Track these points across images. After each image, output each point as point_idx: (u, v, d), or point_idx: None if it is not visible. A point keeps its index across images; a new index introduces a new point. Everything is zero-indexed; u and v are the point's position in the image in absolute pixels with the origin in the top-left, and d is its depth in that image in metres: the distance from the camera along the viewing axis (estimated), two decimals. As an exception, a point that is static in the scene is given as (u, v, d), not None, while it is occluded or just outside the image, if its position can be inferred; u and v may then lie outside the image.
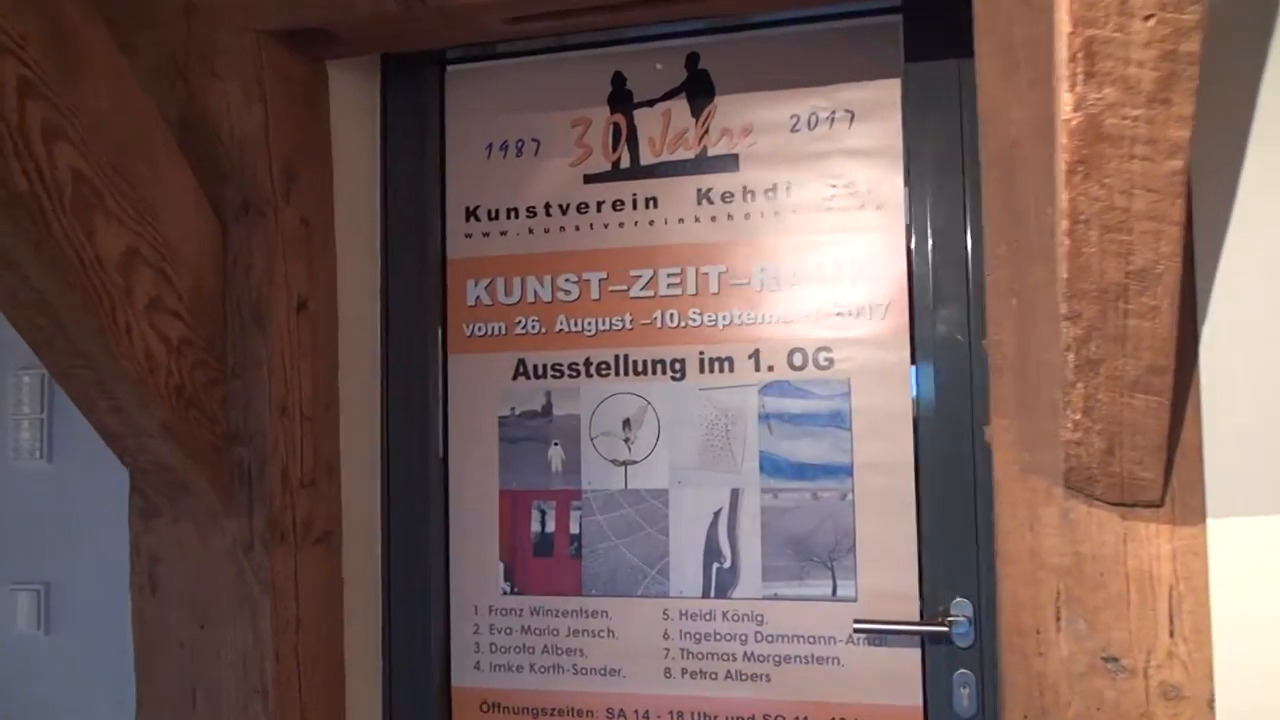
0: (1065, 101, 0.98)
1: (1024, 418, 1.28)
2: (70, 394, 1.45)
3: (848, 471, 1.73)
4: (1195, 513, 1.23)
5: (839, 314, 1.75)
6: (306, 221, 1.68)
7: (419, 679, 1.86)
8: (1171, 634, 1.23)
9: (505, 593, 1.86)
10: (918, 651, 1.67)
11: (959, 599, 1.63)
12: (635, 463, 1.82)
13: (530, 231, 1.90)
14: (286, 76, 1.64)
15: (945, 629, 1.61)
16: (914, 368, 1.71)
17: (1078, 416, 1.16)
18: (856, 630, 1.66)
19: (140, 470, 1.52)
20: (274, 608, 1.54)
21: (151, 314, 1.42)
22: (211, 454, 1.53)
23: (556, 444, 1.86)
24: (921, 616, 1.67)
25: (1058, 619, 1.26)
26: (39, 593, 1.83)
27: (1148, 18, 0.91)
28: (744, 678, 1.74)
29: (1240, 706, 1.23)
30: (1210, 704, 1.23)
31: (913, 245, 1.72)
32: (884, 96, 1.75)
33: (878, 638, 1.68)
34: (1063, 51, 0.96)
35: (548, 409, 1.87)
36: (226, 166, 1.58)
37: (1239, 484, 1.24)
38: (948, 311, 1.69)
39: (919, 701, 1.67)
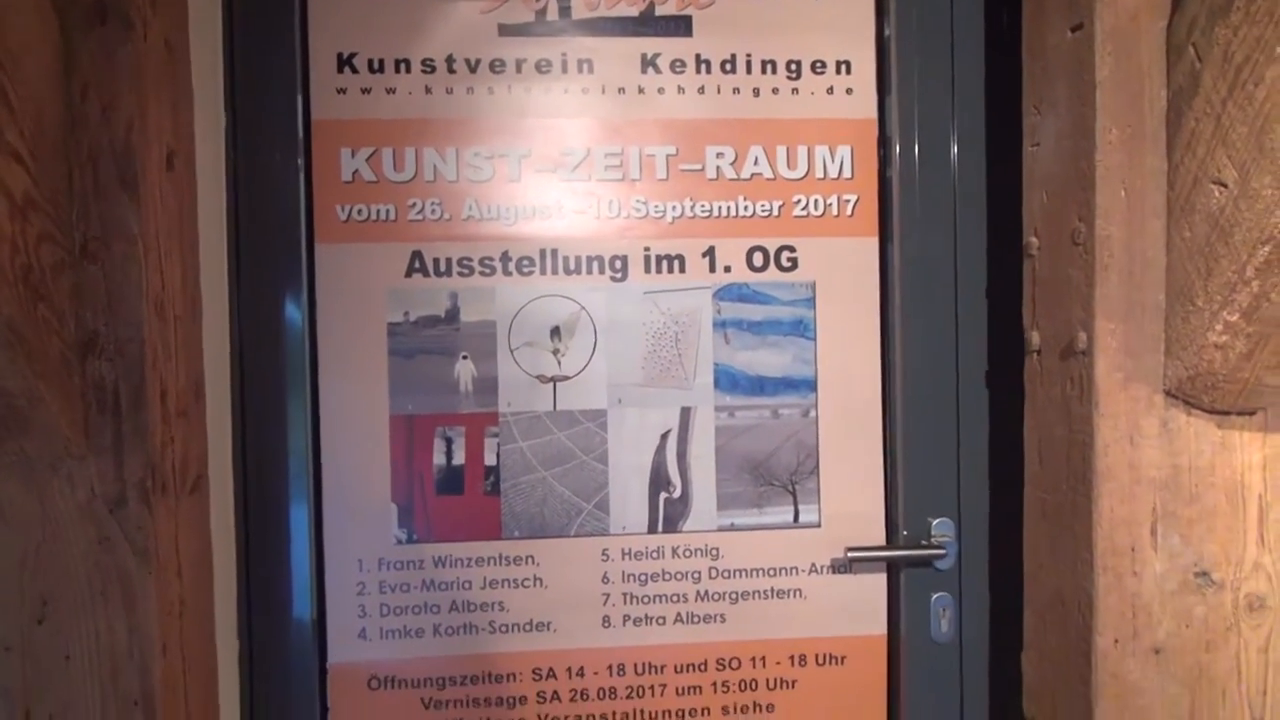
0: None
1: (1130, 322, 1.16)
2: None
3: (811, 386, 1.55)
4: (1286, 421, 1.19)
5: (805, 210, 1.55)
6: (170, 45, 1.19)
7: (284, 661, 1.45)
8: (1260, 543, 1.19)
9: (400, 541, 1.50)
10: (884, 577, 1.55)
11: (941, 519, 1.53)
12: (566, 379, 1.52)
13: (428, 91, 1.50)
14: None
15: (940, 552, 1.50)
16: (885, 270, 1.55)
17: (1234, 318, 1.06)
18: (852, 558, 1.50)
19: (-49, 398, 1.00)
20: (159, 586, 1.10)
21: (-9, 156, 0.92)
22: (61, 370, 1.04)
23: (465, 357, 1.51)
24: (889, 539, 1.55)
25: (1153, 535, 1.18)
26: None
27: None
28: (696, 620, 1.53)
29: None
30: (1292, 615, 1.21)
31: (890, 136, 1.55)
32: (857, -36, 1.55)
33: (842, 564, 1.54)
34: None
35: (453, 314, 1.51)
36: (62, -56, 1.06)
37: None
38: (926, 209, 1.54)
39: (884, 630, 1.55)
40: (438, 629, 1.50)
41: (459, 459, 1.51)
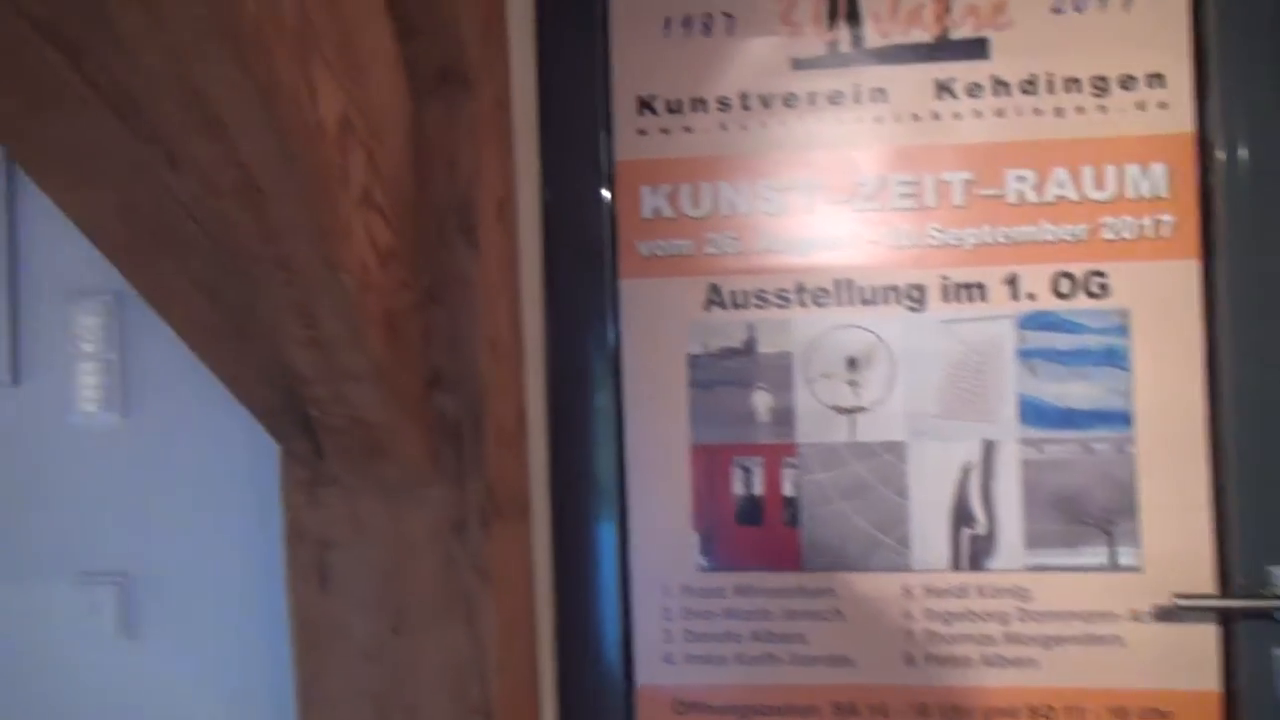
0: None
1: None
2: (245, 323, 1.05)
3: (1126, 419, 1.46)
4: None
5: (1115, 233, 1.47)
6: (499, 101, 1.29)
7: (596, 680, 1.51)
8: None
9: (702, 569, 1.53)
10: (1214, 629, 1.44)
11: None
12: (864, 410, 1.51)
13: (723, 128, 1.55)
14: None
15: (1283, 602, 1.38)
16: (1209, 294, 1.45)
17: None
18: (1181, 606, 1.40)
19: (327, 429, 1.12)
20: (497, 605, 1.18)
21: (364, 210, 1.02)
22: (415, 404, 1.14)
23: (762, 388, 1.53)
24: (1222, 587, 1.43)
25: None
26: (117, 587, 1.41)
27: None
28: (1005, 663, 1.47)
29: None
30: None
31: (1212, 150, 1.45)
32: (1169, -28, 1.47)
33: (1167, 612, 1.43)
34: None
35: (750, 345, 1.53)
36: (415, 19, 1.17)
37: None
38: (1257, 226, 1.43)
39: (1217, 685, 1.43)
40: (739, 657, 1.51)
41: (758, 489, 1.52)
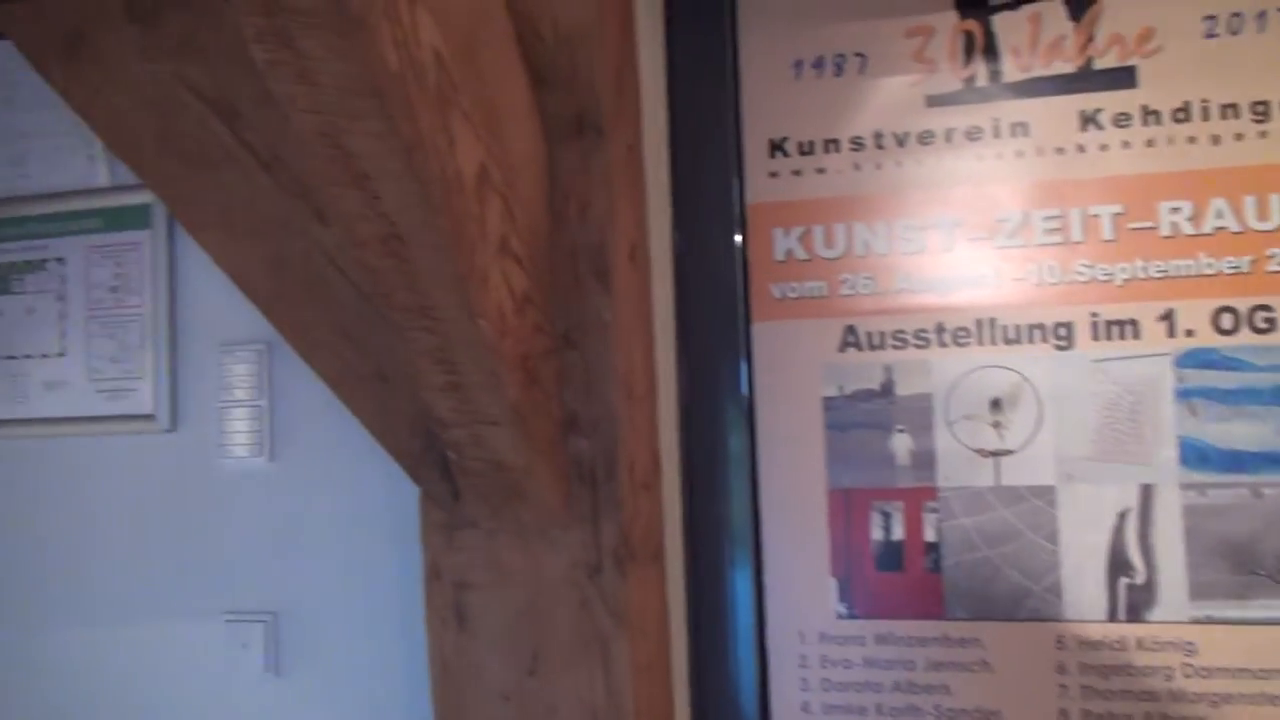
0: None
1: None
2: (386, 369, 1.08)
3: (1300, 461, 1.37)
4: None
5: (1281, 264, 1.39)
6: (630, 147, 1.31)
7: (733, 726, 1.49)
8: None
9: (840, 616, 1.49)
10: None
11: None
12: (1009, 453, 1.45)
13: (857, 168, 1.52)
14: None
15: None
16: (1391, 329, 1.35)
17: None
18: (1370, 666, 1.30)
19: (465, 472, 1.13)
20: (631, 648, 1.17)
21: (501, 258, 1.04)
22: (549, 447, 1.15)
23: (901, 430, 1.49)
24: None
25: None
26: (265, 625, 1.45)
27: None
28: (1170, 723, 1.39)
29: None
30: None
31: (1388, 175, 1.36)
32: (1334, -12, 1.39)
33: (1353, 672, 1.33)
34: None
35: (888, 388, 1.50)
36: (549, 71, 1.20)
37: None
38: None
39: None
40: (880, 708, 1.46)
41: (898, 534, 1.48)
